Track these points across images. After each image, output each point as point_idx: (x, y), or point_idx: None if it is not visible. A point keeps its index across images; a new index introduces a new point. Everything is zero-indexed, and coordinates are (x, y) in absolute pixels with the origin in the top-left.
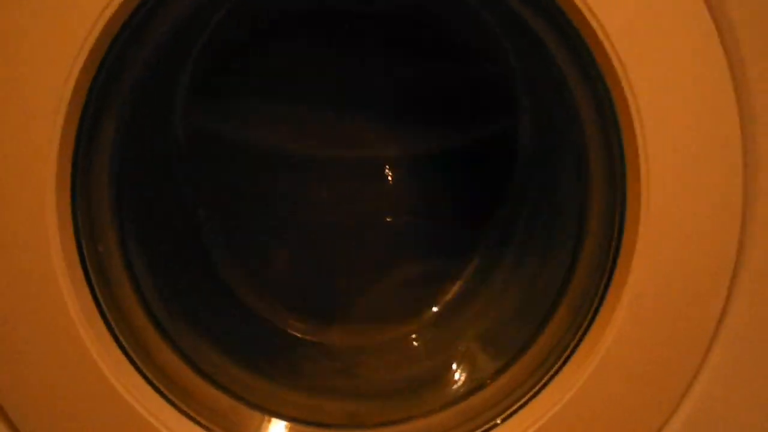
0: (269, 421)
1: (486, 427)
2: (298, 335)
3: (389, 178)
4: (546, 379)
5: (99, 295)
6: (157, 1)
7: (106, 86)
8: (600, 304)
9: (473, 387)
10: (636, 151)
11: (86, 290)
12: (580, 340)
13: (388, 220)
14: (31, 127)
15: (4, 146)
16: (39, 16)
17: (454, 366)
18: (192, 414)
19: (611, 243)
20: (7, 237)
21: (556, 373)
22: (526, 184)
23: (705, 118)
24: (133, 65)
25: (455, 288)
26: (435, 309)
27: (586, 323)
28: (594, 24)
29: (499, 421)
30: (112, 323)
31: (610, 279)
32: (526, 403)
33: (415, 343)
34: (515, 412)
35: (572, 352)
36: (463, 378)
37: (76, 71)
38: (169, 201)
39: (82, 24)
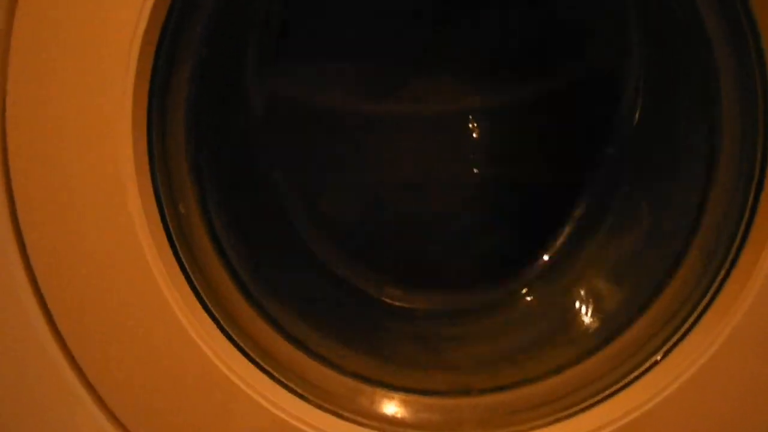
0: (379, 393)
1: (646, 365)
2: (396, 303)
3: (478, 129)
4: (700, 308)
5: (182, 256)
6: None
7: (176, 37)
8: (748, 226)
9: (611, 332)
10: None
11: (169, 251)
12: (731, 267)
13: (478, 171)
14: (105, 84)
15: (78, 106)
16: None
17: (581, 310)
18: (278, 376)
19: (753, 173)
20: (87, 200)
21: (712, 300)
22: (635, 123)
23: None
24: (201, 16)
25: (565, 232)
26: (546, 258)
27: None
28: None
29: (659, 357)
30: (195, 281)
31: (755, 207)
32: (684, 335)
33: (528, 298)
34: (675, 345)
35: (723, 280)
36: (594, 322)
37: (144, 21)
38: (247, 164)
39: None
